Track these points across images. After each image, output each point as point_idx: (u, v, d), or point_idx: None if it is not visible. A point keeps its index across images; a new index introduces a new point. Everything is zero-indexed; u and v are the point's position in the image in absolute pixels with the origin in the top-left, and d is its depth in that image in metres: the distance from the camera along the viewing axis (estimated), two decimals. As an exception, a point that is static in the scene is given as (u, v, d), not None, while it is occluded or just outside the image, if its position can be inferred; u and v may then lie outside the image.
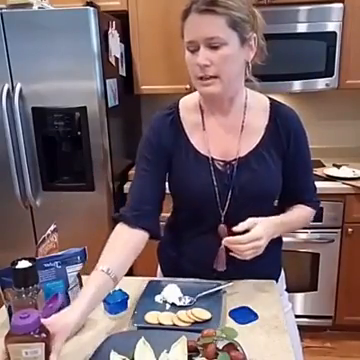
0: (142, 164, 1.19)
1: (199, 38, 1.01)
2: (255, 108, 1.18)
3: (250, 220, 1.06)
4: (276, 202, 1.26)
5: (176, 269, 1.25)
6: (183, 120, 1.19)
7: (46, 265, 1.03)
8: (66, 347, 0.96)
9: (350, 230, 2.25)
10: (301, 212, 1.25)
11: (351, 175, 2.28)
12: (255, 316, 1.05)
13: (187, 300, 1.09)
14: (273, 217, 1.13)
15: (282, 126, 1.16)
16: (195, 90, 1.16)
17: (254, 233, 1.03)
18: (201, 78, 1.06)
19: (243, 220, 1.06)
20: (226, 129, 1.17)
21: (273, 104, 1.19)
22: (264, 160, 1.15)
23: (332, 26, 2.25)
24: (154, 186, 1.18)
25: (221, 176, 1.15)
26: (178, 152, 1.17)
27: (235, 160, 1.15)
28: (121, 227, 1.12)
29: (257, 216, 1.08)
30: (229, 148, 1.16)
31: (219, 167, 1.15)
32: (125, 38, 2.40)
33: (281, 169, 1.18)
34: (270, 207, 1.22)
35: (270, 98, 1.21)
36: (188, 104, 1.21)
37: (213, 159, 1.15)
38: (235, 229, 1.04)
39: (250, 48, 1.07)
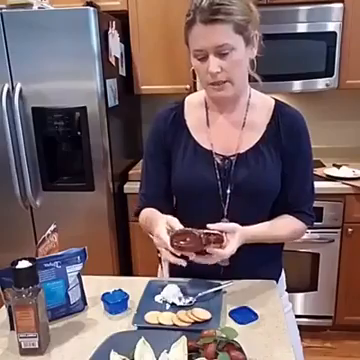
0: (147, 159, 1.28)
1: (208, 47, 1.02)
2: (258, 107, 1.19)
3: (231, 226, 1.05)
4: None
5: (177, 269, 1.25)
6: (187, 116, 1.22)
7: (46, 265, 1.03)
8: (66, 347, 0.97)
9: (350, 230, 2.25)
10: (289, 223, 1.20)
11: (351, 175, 2.28)
12: (255, 316, 1.05)
13: (187, 300, 1.10)
14: (254, 227, 1.11)
15: (284, 125, 1.16)
16: (196, 90, 1.17)
17: (232, 249, 1.02)
18: (212, 84, 1.07)
19: (245, 216, 1.09)
20: (228, 125, 1.19)
21: (278, 104, 1.20)
22: (263, 158, 1.15)
23: (332, 26, 2.25)
24: (159, 178, 1.24)
25: (220, 171, 1.16)
26: (178, 147, 1.20)
27: (234, 156, 1.16)
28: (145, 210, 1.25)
29: (257, 213, 1.10)
30: (230, 143, 1.17)
31: (218, 161, 1.17)
32: (125, 38, 2.40)
33: (280, 169, 1.17)
34: (270, 205, 1.21)
35: (276, 100, 1.21)
36: (193, 101, 1.24)
37: (214, 153, 1.17)
38: (210, 226, 1.02)
39: (253, 46, 1.09)
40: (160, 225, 1.05)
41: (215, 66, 1.03)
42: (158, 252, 1.06)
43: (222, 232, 1.02)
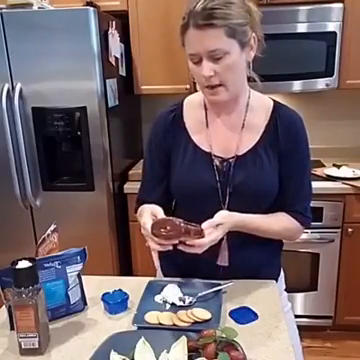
0: (146, 161, 1.28)
1: (201, 52, 1.03)
2: (257, 108, 1.19)
3: (217, 220, 1.05)
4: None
5: (177, 269, 1.25)
6: (186, 117, 1.21)
7: (46, 265, 1.03)
8: (66, 347, 0.97)
9: (350, 230, 2.25)
10: (282, 219, 1.20)
11: (351, 175, 2.28)
12: (255, 316, 1.05)
13: (187, 300, 1.10)
14: (245, 215, 1.12)
15: (282, 126, 1.16)
16: (196, 90, 1.17)
17: (213, 238, 1.03)
18: (207, 87, 1.08)
19: None
20: (228, 127, 1.19)
21: (276, 105, 1.20)
22: (261, 160, 1.15)
23: (332, 26, 2.25)
24: (158, 181, 1.24)
25: (219, 173, 1.16)
26: (177, 148, 1.20)
27: (233, 158, 1.16)
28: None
29: (256, 214, 1.10)
30: (229, 146, 1.17)
31: (217, 163, 1.17)
32: (125, 38, 2.40)
33: (278, 170, 1.17)
34: (269, 206, 1.21)
35: (275, 100, 1.21)
36: (192, 102, 1.24)
37: (213, 155, 1.17)
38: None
39: (250, 48, 1.08)
40: (146, 215, 1.07)
41: (208, 70, 1.04)
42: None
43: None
